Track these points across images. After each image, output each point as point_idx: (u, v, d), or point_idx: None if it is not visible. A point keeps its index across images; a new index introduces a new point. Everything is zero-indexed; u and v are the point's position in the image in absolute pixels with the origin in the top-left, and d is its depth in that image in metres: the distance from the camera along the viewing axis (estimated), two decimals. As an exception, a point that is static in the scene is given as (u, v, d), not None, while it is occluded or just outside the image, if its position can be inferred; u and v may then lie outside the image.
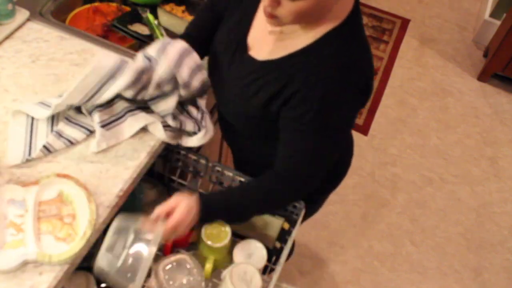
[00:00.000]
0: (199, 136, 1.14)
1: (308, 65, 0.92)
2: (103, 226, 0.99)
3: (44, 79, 1.21)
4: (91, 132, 1.10)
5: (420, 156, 2.54)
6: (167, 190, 1.33)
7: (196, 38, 1.12)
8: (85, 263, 1.01)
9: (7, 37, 1.29)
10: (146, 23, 1.55)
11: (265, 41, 0.99)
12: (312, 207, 1.38)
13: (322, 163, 1.02)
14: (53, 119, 1.10)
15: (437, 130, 2.68)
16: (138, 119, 1.11)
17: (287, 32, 0.95)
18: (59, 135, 1.07)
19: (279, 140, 1.03)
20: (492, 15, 3.07)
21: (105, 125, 1.08)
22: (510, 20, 2.67)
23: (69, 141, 1.07)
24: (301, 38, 0.93)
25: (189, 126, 1.13)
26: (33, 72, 1.22)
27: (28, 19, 1.35)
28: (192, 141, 1.15)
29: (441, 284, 2.10)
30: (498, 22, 2.98)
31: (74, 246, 0.90)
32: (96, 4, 1.58)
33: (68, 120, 1.10)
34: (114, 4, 1.60)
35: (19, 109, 1.09)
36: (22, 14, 1.34)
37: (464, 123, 2.73)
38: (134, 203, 1.24)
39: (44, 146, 1.04)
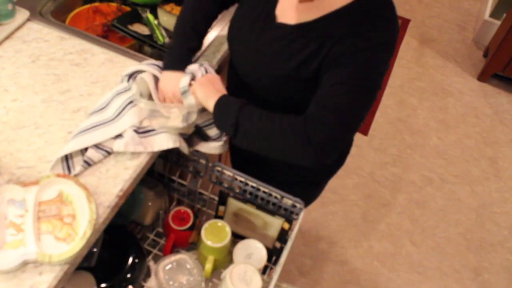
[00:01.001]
0: (222, 143, 1.18)
1: (348, 22, 0.96)
2: (103, 226, 0.99)
3: (44, 79, 1.21)
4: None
5: (420, 156, 2.54)
6: (167, 190, 1.33)
7: None
8: (85, 263, 1.01)
9: (7, 37, 1.29)
10: (146, 23, 1.55)
11: (296, 9, 1.02)
12: (315, 188, 1.38)
13: (358, 107, 0.97)
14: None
15: (437, 130, 2.68)
16: (172, 138, 1.10)
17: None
18: (97, 147, 1.06)
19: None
20: (492, 15, 3.07)
21: (137, 131, 1.08)
22: (510, 20, 2.67)
23: (107, 152, 1.07)
24: (334, 1, 0.97)
25: (213, 131, 1.18)
26: (33, 72, 1.22)
27: (28, 19, 1.35)
28: (212, 148, 1.19)
29: (441, 284, 2.10)
30: (498, 22, 2.98)
31: (74, 246, 0.90)
32: (96, 4, 1.58)
33: None
34: (114, 4, 1.60)
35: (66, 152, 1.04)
36: (22, 14, 1.34)
37: (464, 123, 2.73)
38: (134, 203, 1.24)
39: (85, 161, 1.04)
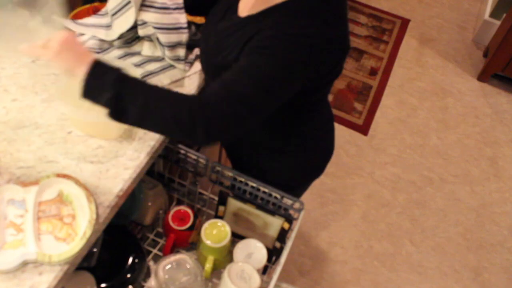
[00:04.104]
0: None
1: (277, 15, 0.96)
2: (103, 226, 0.99)
3: (44, 79, 1.21)
4: None
5: (420, 156, 2.54)
6: (167, 190, 1.33)
7: None
8: (85, 263, 1.01)
9: (7, 37, 1.29)
10: (146, 23, 1.55)
11: (249, 2, 1.04)
12: (290, 193, 1.37)
13: (255, 96, 0.93)
14: None
15: (437, 130, 2.68)
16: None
17: None
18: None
19: None
20: (492, 15, 3.07)
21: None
22: (510, 20, 2.67)
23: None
24: None
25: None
26: (33, 72, 1.22)
27: (28, 19, 1.35)
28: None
29: (441, 284, 2.10)
30: (498, 22, 2.98)
31: (74, 246, 0.90)
32: (96, 4, 1.58)
33: None
34: (114, 4, 1.60)
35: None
36: (22, 14, 1.34)
37: (464, 123, 2.73)
38: (134, 203, 1.24)
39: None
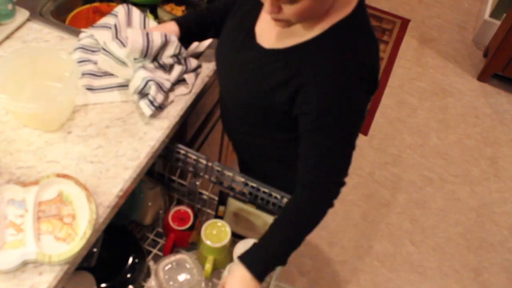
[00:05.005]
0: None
1: (312, 57, 0.94)
2: (103, 226, 0.99)
3: (44, 79, 1.21)
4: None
5: (420, 156, 2.54)
6: (167, 190, 1.33)
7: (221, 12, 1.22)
8: (85, 263, 1.01)
9: (7, 37, 1.29)
10: (146, 23, 1.55)
11: (272, 31, 1.01)
12: None
13: (342, 160, 1.01)
14: None
15: (437, 130, 2.68)
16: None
17: (293, 25, 0.98)
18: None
19: (278, 132, 1.08)
20: (492, 15, 3.07)
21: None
22: (510, 20, 2.67)
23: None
24: (307, 30, 0.96)
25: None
26: (33, 72, 1.22)
27: (28, 19, 1.35)
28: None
29: (441, 284, 2.10)
30: (498, 22, 2.99)
31: (74, 246, 0.90)
32: (96, 4, 1.58)
33: None
34: (114, 4, 1.60)
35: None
36: (22, 14, 1.34)
37: (464, 123, 2.73)
38: (134, 203, 1.24)
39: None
